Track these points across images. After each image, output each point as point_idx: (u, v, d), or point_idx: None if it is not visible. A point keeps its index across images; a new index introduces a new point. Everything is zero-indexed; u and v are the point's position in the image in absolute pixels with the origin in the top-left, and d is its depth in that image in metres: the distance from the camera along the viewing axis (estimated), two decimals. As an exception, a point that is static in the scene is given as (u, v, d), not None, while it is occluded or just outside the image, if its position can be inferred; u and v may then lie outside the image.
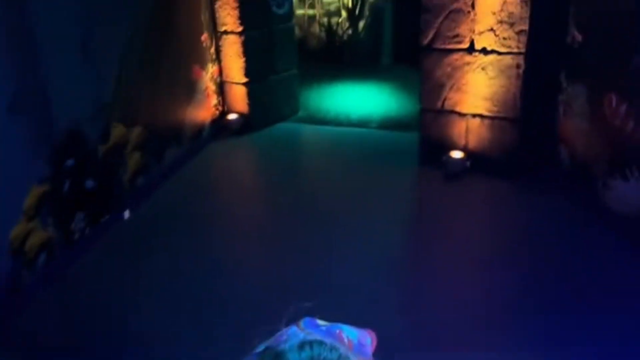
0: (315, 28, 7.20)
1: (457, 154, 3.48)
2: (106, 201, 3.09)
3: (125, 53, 3.19)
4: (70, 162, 2.73)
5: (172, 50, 3.68)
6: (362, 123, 4.72)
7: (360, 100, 5.32)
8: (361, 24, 6.74)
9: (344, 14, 6.70)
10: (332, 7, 7.12)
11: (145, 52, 3.37)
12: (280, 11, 4.50)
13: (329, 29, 6.68)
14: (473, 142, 3.49)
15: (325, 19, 6.87)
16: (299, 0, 7.11)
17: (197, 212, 3.35)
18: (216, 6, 4.24)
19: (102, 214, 3.05)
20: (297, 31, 7.05)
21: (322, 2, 7.15)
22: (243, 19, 4.22)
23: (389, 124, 4.65)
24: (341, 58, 6.49)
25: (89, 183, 2.90)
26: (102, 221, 3.04)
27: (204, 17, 4.11)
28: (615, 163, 2.77)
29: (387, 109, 5.00)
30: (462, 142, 3.52)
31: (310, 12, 7.29)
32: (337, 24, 6.70)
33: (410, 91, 5.33)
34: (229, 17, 4.24)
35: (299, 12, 7.18)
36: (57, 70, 2.62)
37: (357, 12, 6.59)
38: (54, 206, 2.64)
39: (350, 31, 6.65)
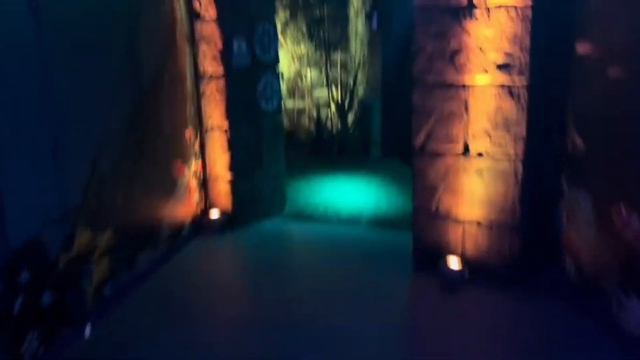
0: (305, 121, 7.20)
1: (454, 262, 3.23)
2: (66, 316, 2.75)
3: (101, 152, 3.00)
4: (24, 275, 2.44)
5: (153, 146, 3.51)
6: (352, 220, 4.50)
7: (350, 195, 5.14)
8: (350, 117, 6.74)
9: (333, 107, 6.71)
10: (322, 100, 7.16)
11: (123, 150, 3.19)
12: (268, 107, 4.42)
13: (318, 122, 6.67)
14: (471, 248, 3.26)
15: (314, 112, 6.87)
16: (289, 93, 7.16)
17: (172, 320, 3.02)
18: (202, 101, 4.14)
19: (60, 332, 2.70)
20: (286, 123, 7.05)
21: (311, 95, 7.19)
22: (229, 114, 4.12)
23: (379, 222, 4.44)
24: (330, 151, 6.42)
25: (46, 298, 2.58)
26: (59, 339, 2.69)
27: (189, 111, 3.99)
28: (629, 280, 2.53)
29: (377, 205, 4.81)
30: (459, 248, 3.29)
31: (300, 104, 7.32)
32: (327, 117, 6.70)
33: (401, 185, 5.20)
34: (215, 113, 4.13)
35: (289, 104, 7.21)
36: (14, 172, 2.39)
37: (346, 106, 6.61)
38: (1, 327, 2.31)
39: (339, 124, 6.63)
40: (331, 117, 6.69)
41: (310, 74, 7.16)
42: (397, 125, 6.10)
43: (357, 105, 6.90)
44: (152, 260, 3.54)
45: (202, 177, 4.21)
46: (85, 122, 2.87)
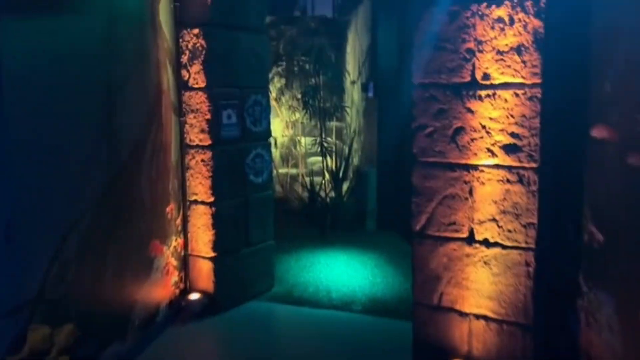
0: (298, 188, 6.96)
1: (459, 365, 2.87)
2: None
3: (67, 232, 2.70)
4: (-43, 387, 2.08)
5: (128, 224, 3.21)
6: (345, 304, 4.14)
7: (343, 272, 4.80)
8: (345, 186, 6.50)
9: (327, 176, 6.48)
10: (316, 167, 6.97)
11: (93, 229, 2.89)
12: (258, 180, 4.17)
13: (312, 190, 6.42)
14: (478, 348, 2.91)
15: (308, 179, 6.64)
16: (282, 160, 6.97)
17: None
18: (187, 174, 3.89)
19: None
20: (278, 190, 6.81)
21: (305, 163, 7.00)
22: (216, 188, 3.85)
23: (375, 306, 4.07)
24: (323, 221, 6.12)
25: (-17, 412, 2.20)
26: None
27: (172, 185, 3.72)
28: (665, 399, 2.18)
29: (372, 286, 4.46)
30: (465, 348, 2.94)
31: (293, 171, 7.12)
32: (320, 185, 6.46)
33: (398, 265, 4.88)
34: (200, 186, 3.87)
35: (282, 171, 7.00)
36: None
37: (340, 174, 6.38)
38: None
39: (333, 193, 6.38)
40: (325, 186, 6.46)
41: (305, 141, 7.01)
42: (393, 196, 5.86)
43: (352, 174, 6.69)
44: (121, 354, 3.15)
45: (182, 255, 3.89)
46: (49, 200, 2.59)
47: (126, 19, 3.16)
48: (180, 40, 3.82)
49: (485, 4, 2.74)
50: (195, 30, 3.79)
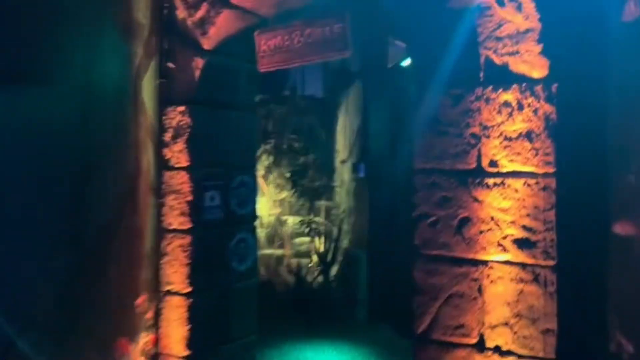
0: (283, 270, 6.58)
1: None
2: None
3: (16, 335, 2.31)
4: None
5: (90, 322, 2.83)
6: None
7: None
8: (333, 270, 6.14)
9: (315, 258, 6.13)
10: (303, 248, 6.62)
11: (49, 330, 2.50)
12: (241, 267, 3.81)
13: (298, 274, 6.04)
14: None
15: (294, 261, 6.28)
16: (268, 241, 6.64)
17: None
18: (163, 261, 3.53)
19: None
20: (262, 272, 6.41)
21: (292, 244, 6.67)
22: (194, 277, 3.48)
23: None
24: (310, 309, 5.69)
25: None
26: None
27: (145, 275, 3.36)
28: None
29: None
30: None
31: (279, 252, 6.76)
32: (307, 268, 6.09)
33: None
34: (176, 275, 3.50)
35: (266, 251, 6.64)
36: None
37: (329, 257, 6.03)
38: None
39: (321, 278, 6.00)
40: (312, 270, 6.08)
41: (292, 221, 6.71)
42: (386, 284, 5.50)
43: (342, 256, 6.34)
44: None
45: (152, 353, 3.44)
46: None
47: (104, 95, 2.96)
48: (164, 117, 3.60)
49: (491, 88, 2.57)
50: (181, 108, 3.58)
